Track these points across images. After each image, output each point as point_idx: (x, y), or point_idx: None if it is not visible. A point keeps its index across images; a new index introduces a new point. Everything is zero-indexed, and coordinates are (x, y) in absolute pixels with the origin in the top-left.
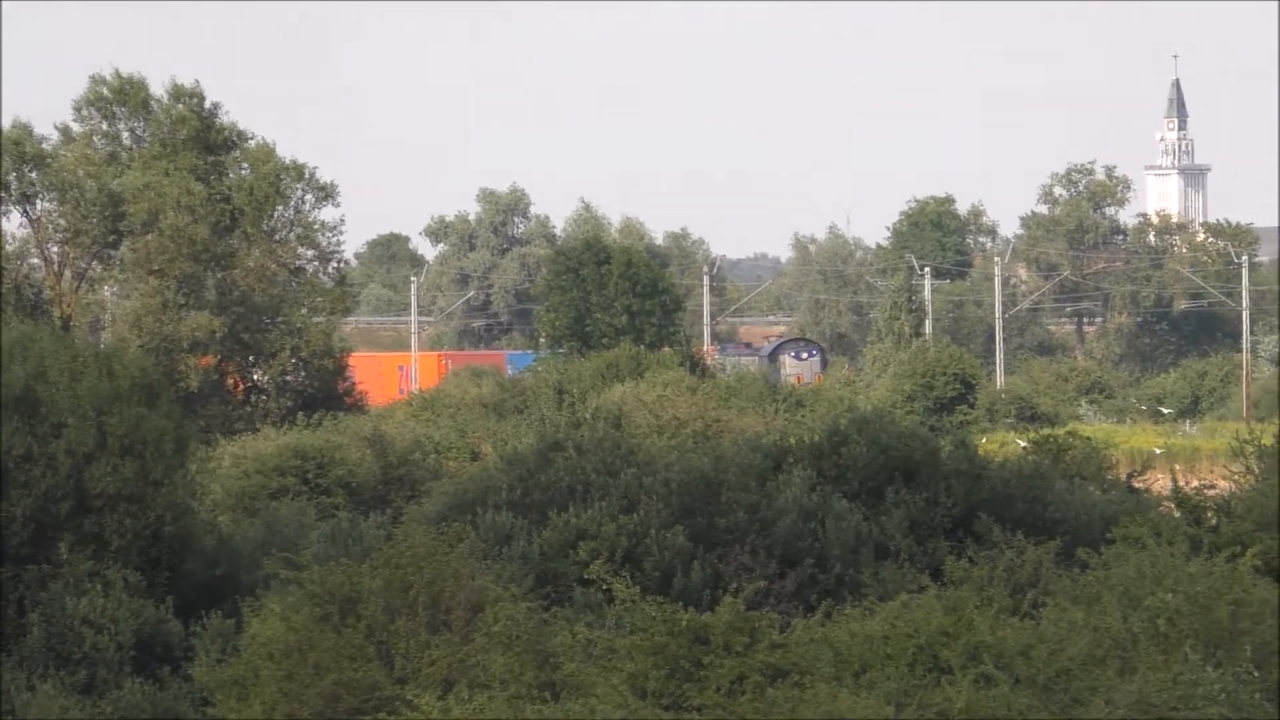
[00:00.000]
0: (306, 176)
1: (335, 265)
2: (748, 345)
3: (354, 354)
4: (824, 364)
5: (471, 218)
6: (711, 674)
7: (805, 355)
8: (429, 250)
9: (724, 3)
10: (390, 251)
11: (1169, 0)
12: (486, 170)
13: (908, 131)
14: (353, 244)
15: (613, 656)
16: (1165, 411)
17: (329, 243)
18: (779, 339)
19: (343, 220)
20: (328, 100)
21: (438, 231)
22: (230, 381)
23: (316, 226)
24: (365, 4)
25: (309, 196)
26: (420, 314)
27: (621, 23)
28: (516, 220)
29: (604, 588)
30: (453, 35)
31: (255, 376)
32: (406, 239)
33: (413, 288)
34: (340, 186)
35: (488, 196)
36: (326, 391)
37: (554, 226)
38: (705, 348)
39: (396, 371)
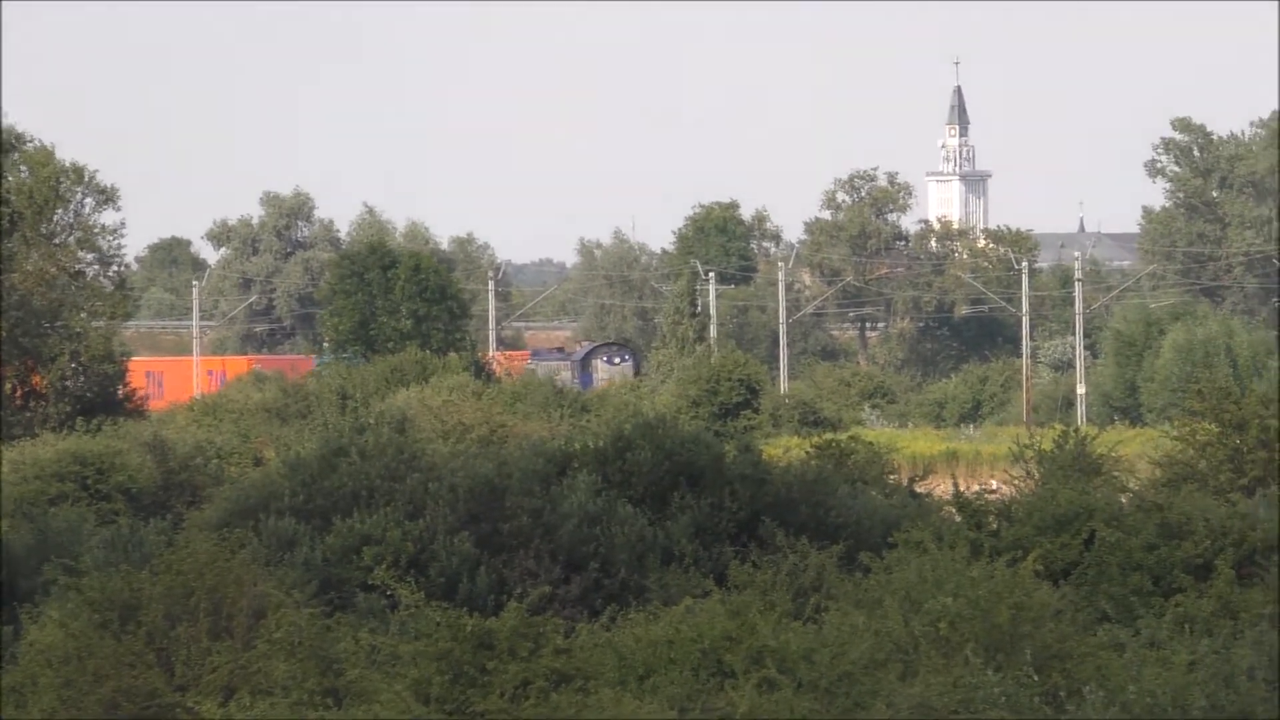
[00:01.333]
0: (86, 179)
1: (116, 269)
2: (559, 350)
3: (169, 358)
4: (637, 368)
5: (254, 221)
6: (495, 679)
7: (618, 360)
8: (211, 254)
9: (506, 4)
10: (172, 255)
11: (950, 2)
12: (269, 173)
13: (693, 136)
14: (134, 247)
15: (396, 662)
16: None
17: (109, 246)
18: (591, 344)
19: (123, 224)
20: (109, 102)
21: (220, 235)
22: (8, 387)
23: (97, 230)
24: (146, 4)
25: (89, 200)
26: (202, 318)
27: (405, 23)
28: (300, 224)
29: (388, 593)
30: (231, 35)
31: (34, 381)
32: (188, 243)
33: (194, 292)
34: (121, 190)
35: (271, 200)
36: (106, 396)
37: (338, 230)
38: (521, 352)
39: (206, 376)
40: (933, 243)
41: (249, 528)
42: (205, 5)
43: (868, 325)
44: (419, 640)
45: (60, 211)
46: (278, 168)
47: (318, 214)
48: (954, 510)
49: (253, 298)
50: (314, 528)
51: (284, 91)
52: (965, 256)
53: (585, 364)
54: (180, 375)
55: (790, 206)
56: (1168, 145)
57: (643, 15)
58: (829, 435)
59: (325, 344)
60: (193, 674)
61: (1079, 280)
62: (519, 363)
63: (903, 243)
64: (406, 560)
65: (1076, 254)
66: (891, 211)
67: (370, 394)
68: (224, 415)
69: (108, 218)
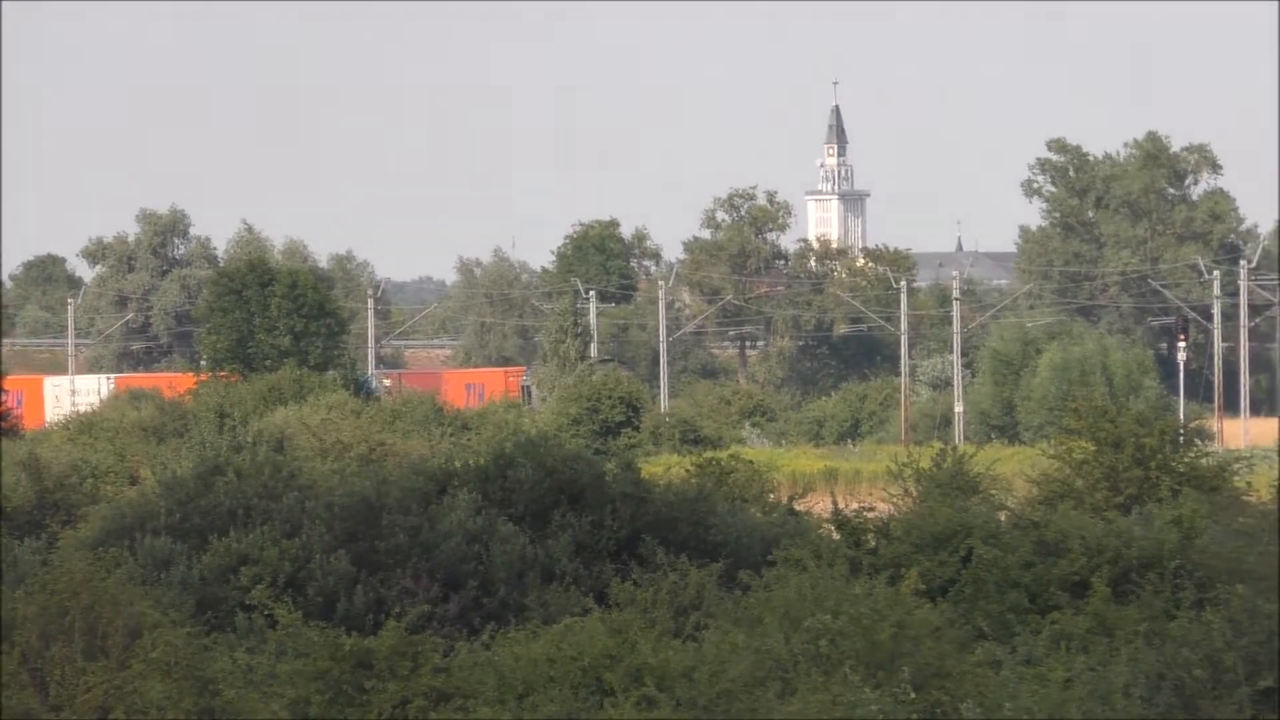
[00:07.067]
0: None
1: None
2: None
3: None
4: None
5: (130, 239)
6: (374, 699)
7: None
8: (87, 272)
9: (384, 15)
10: (47, 273)
11: (829, 23)
12: (146, 191)
13: (572, 155)
14: (8, 265)
15: (274, 682)
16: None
17: None
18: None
19: None
20: None
21: (96, 253)
22: None
23: None
24: (13, 14)
25: None
26: (78, 336)
27: (281, 35)
28: (177, 241)
29: (266, 613)
30: (104, 50)
31: None
32: (63, 260)
33: (70, 309)
34: None
35: (147, 217)
36: None
37: (215, 248)
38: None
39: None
40: (812, 262)
41: (125, 547)
42: (75, 17)
43: (747, 344)
44: (297, 660)
45: None
46: (154, 185)
47: (194, 231)
48: (833, 528)
49: (129, 315)
50: (190, 547)
51: (160, 107)
52: (844, 275)
53: None
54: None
55: (670, 225)
56: (1044, 165)
57: (527, 32)
58: (709, 453)
59: (203, 362)
60: (67, 694)
61: (957, 299)
62: (514, 379)
63: (782, 262)
64: (284, 579)
65: (954, 273)
66: (771, 230)
67: (248, 412)
68: (100, 434)
69: None
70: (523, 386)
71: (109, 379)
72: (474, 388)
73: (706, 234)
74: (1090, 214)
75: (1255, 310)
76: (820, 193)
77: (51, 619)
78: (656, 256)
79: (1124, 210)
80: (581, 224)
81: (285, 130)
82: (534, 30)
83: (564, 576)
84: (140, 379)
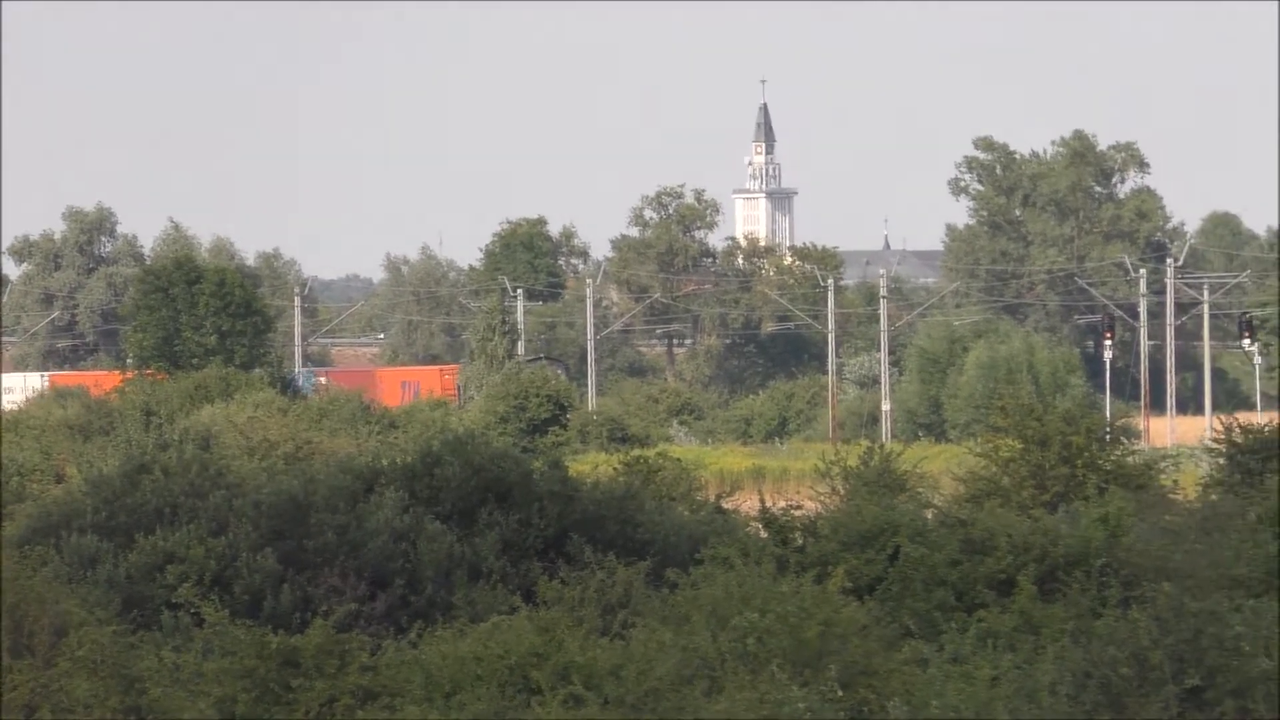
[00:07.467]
0: None
1: None
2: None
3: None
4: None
5: (57, 236)
6: (301, 697)
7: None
8: (13, 270)
9: (305, 15)
10: None
11: (757, 20)
12: (73, 189)
13: (500, 153)
14: None
15: (200, 680)
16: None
17: None
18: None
19: None
20: None
21: (21, 250)
22: None
23: None
24: None
25: None
26: (4, 334)
27: (206, 35)
28: (103, 239)
29: (192, 611)
30: (35, 44)
31: None
32: None
33: None
34: None
35: (74, 215)
36: None
37: (142, 246)
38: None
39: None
40: (739, 260)
41: (50, 545)
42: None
43: (675, 342)
44: (223, 658)
45: None
46: (80, 182)
47: (121, 229)
48: (760, 526)
49: (55, 314)
50: (117, 545)
51: (86, 105)
52: (772, 274)
53: None
54: None
55: (597, 223)
56: (971, 164)
57: (456, 30)
58: (637, 452)
59: (129, 359)
60: None
61: (884, 297)
62: (450, 377)
63: (710, 260)
64: (210, 578)
65: (881, 271)
66: (698, 229)
67: (174, 410)
68: (25, 432)
69: None
70: (459, 385)
71: (43, 376)
72: (410, 385)
73: (634, 232)
74: (1017, 212)
75: (1181, 309)
76: (748, 191)
77: None
78: (584, 254)
79: (1051, 208)
80: (509, 222)
81: (211, 129)
82: (463, 28)
83: (491, 575)
84: (74, 377)
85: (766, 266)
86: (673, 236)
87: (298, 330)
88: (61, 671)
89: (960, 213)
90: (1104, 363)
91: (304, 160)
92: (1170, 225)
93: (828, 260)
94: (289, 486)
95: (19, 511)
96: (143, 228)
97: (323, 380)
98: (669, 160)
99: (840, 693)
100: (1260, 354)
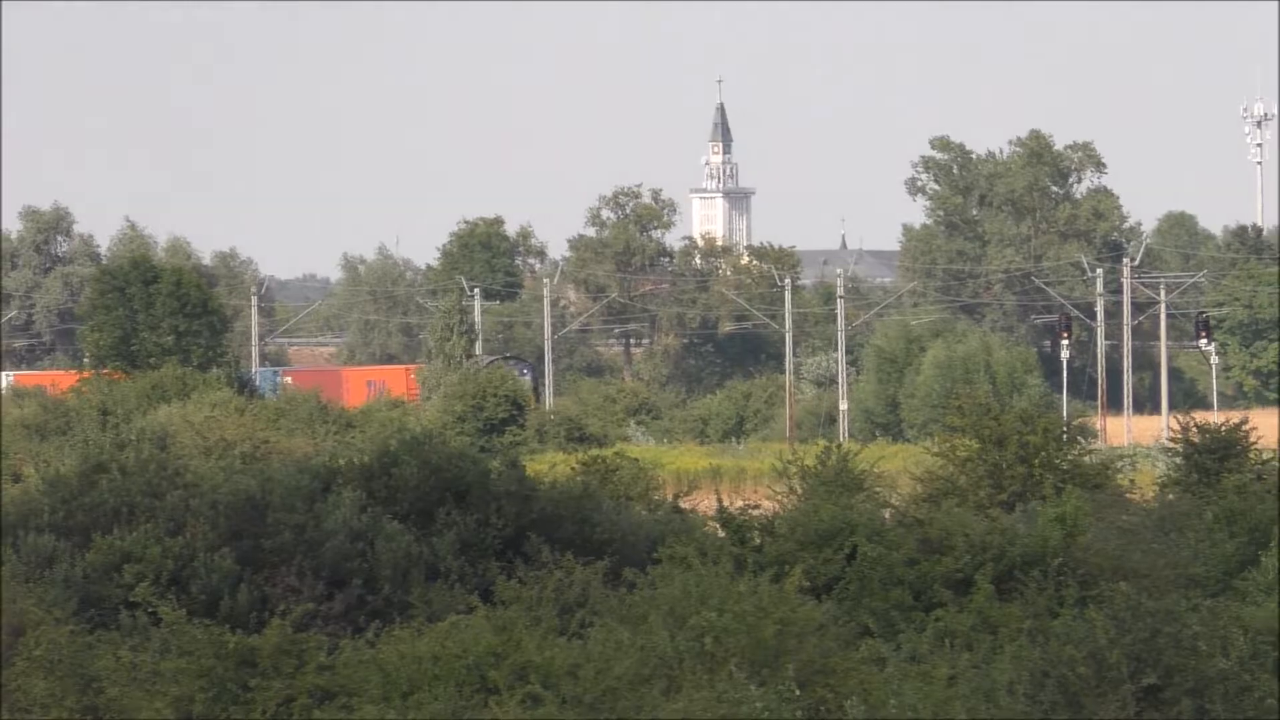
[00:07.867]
0: None
1: None
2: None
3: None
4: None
5: (13, 236)
6: (258, 697)
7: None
8: None
9: (261, 11)
10: None
11: (713, 20)
12: (28, 189)
13: (457, 152)
14: None
15: (158, 680)
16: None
17: None
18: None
19: None
20: None
21: None
22: None
23: None
24: None
25: None
26: None
27: (157, 31)
28: (60, 239)
29: (150, 611)
30: None
31: None
32: None
33: None
34: None
35: (30, 215)
36: None
37: (99, 246)
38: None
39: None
40: (697, 259)
41: (8, 544)
42: None
43: (633, 341)
44: (181, 658)
45: None
46: (36, 182)
47: (77, 229)
48: (718, 526)
49: (11, 313)
50: (74, 544)
51: (43, 102)
52: (729, 273)
53: None
54: None
55: (555, 223)
56: (927, 163)
57: (415, 27)
58: (594, 451)
59: (86, 359)
60: None
61: (841, 297)
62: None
63: (667, 259)
64: (167, 577)
65: (839, 271)
66: (656, 228)
67: (131, 410)
68: None
69: None
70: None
71: (8, 375)
72: (375, 385)
73: (592, 232)
74: (974, 212)
75: (1138, 308)
76: (705, 190)
77: None
78: (542, 254)
79: (1007, 208)
80: (467, 221)
81: (167, 129)
82: (420, 27)
83: (449, 574)
84: (37, 376)
85: (724, 266)
86: (630, 236)
87: (254, 330)
88: (18, 671)
89: (917, 212)
90: (1061, 362)
91: (260, 160)
92: (1127, 225)
93: (785, 260)
94: (246, 486)
95: None
96: (99, 227)
97: (289, 380)
98: (626, 160)
99: (798, 692)
100: (1217, 353)
